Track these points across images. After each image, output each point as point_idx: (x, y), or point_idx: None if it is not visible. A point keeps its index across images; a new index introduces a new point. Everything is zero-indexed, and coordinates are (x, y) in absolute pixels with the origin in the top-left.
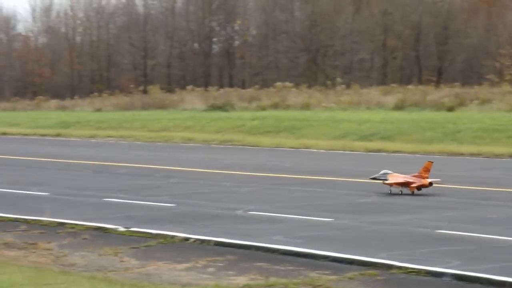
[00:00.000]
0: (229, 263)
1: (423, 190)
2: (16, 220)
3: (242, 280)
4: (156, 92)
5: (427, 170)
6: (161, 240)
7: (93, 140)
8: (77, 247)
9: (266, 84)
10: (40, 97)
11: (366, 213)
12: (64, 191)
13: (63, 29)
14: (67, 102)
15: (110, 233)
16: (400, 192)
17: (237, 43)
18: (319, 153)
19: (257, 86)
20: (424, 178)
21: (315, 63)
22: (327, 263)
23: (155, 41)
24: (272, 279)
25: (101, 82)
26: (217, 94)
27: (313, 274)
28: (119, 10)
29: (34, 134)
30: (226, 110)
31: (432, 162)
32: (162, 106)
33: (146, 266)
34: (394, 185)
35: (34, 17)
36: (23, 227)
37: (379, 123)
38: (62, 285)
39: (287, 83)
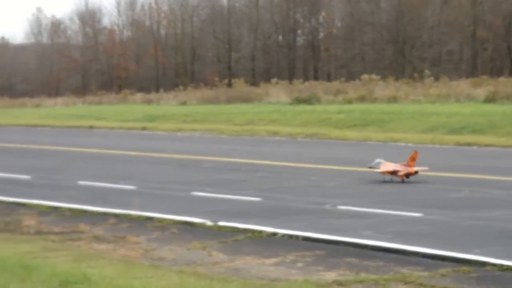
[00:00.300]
0: (318, 258)
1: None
2: (105, 213)
3: (331, 275)
4: (240, 85)
5: (413, 159)
6: (249, 235)
7: (179, 134)
8: (165, 241)
9: (352, 76)
10: (126, 90)
11: (457, 208)
12: (151, 184)
13: (147, 23)
14: (152, 95)
15: (198, 227)
16: (390, 180)
17: (322, 35)
18: (407, 147)
19: (342, 79)
20: (410, 166)
21: (402, 55)
22: (418, 259)
23: (239, 34)
24: (362, 275)
25: (186, 76)
26: (302, 87)
27: (404, 270)
28: (203, 3)
29: (120, 128)
30: (312, 103)
31: (417, 151)
32: (246, 100)
33: (235, 260)
34: (385, 173)
35: (119, 11)
36: (112, 220)
37: (469, 116)
38: (151, 279)
39: (374, 76)
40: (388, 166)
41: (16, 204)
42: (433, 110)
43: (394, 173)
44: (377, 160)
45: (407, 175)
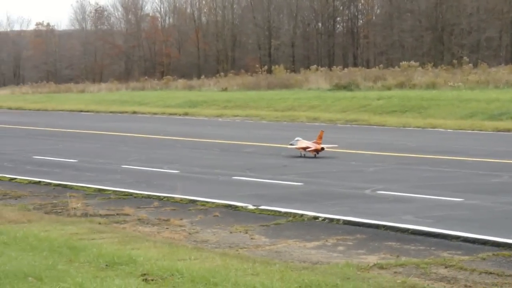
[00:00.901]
0: (358, 242)
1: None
2: (149, 196)
3: (372, 259)
4: (280, 72)
5: (320, 137)
6: (290, 219)
7: (220, 119)
8: (208, 224)
9: (391, 63)
10: (168, 76)
11: (498, 193)
12: (194, 169)
13: (189, 10)
14: (194, 81)
15: (240, 211)
16: (304, 155)
17: (360, 22)
18: (446, 133)
19: (381, 66)
20: (319, 144)
21: (441, 42)
22: (459, 243)
23: (279, 21)
24: (403, 259)
25: (226, 62)
26: (341, 73)
27: (445, 254)
28: None
29: (163, 113)
30: (351, 90)
31: (323, 131)
32: (287, 86)
33: (276, 244)
34: (300, 149)
35: None
36: (156, 203)
37: (509, 102)
38: (195, 261)
39: (412, 62)
40: (303, 143)
41: (63, 186)
42: (472, 96)
43: (305, 149)
44: (296, 138)
45: (316, 150)
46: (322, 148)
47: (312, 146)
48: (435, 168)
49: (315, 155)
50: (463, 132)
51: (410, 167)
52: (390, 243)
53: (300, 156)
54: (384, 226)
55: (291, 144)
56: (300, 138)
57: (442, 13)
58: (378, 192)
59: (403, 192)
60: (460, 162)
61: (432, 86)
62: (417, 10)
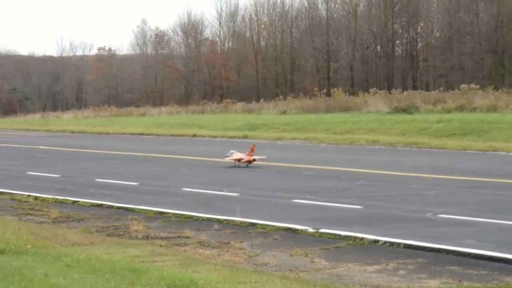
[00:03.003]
0: (419, 266)
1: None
2: (209, 219)
3: (434, 283)
4: (339, 95)
5: (252, 150)
6: (351, 242)
7: (279, 142)
8: (268, 247)
9: (450, 86)
10: (227, 100)
11: None
12: (253, 192)
13: (248, 34)
14: (253, 105)
15: (300, 234)
16: (238, 166)
17: (420, 45)
18: (508, 156)
19: (441, 88)
20: (251, 155)
21: (501, 65)
22: None
23: (338, 44)
24: (466, 283)
25: (285, 85)
26: (400, 96)
27: (508, 279)
28: (302, 14)
29: (223, 136)
30: (411, 113)
31: (255, 145)
32: (345, 109)
33: (337, 267)
34: (234, 160)
35: (220, 23)
36: (216, 226)
37: None
38: (256, 284)
39: (473, 85)
40: (237, 155)
41: (124, 209)
42: None
43: (239, 160)
44: (231, 151)
45: (249, 161)
46: (254, 159)
47: (245, 157)
48: (497, 192)
49: (247, 165)
50: None
51: (471, 190)
52: (452, 267)
53: (235, 166)
54: (445, 250)
55: (226, 156)
56: (234, 151)
57: (503, 35)
58: (439, 215)
59: (464, 216)
60: None
61: (493, 109)
62: (477, 33)
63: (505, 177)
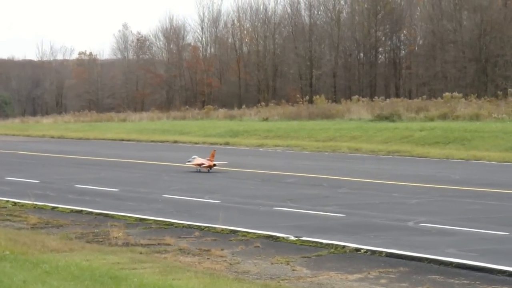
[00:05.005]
0: (401, 274)
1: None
2: (190, 226)
3: None
4: (322, 102)
5: (212, 156)
6: (332, 250)
7: (261, 149)
8: (249, 254)
9: (433, 94)
10: (209, 106)
11: None
12: (235, 199)
13: (230, 40)
14: (235, 111)
15: (281, 241)
16: (199, 171)
17: (403, 53)
18: (490, 165)
19: (424, 97)
20: (211, 161)
21: (484, 73)
22: (504, 278)
23: (321, 51)
24: None
25: (267, 92)
26: (383, 104)
27: None
28: (285, 20)
29: (204, 143)
30: (393, 121)
31: (215, 150)
32: (328, 116)
33: (318, 275)
34: (196, 166)
35: (202, 28)
36: (197, 233)
37: None
38: None
39: (456, 94)
40: (198, 161)
41: (104, 215)
42: None
43: (200, 165)
44: (193, 156)
45: (209, 167)
46: (214, 165)
47: (206, 163)
48: (479, 201)
49: (208, 170)
50: (508, 165)
51: (453, 199)
52: (433, 276)
53: (197, 171)
54: (427, 259)
55: (188, 161)
56: (196, 156)
57: (486, 44)
58: (421, 224)
59: (447, 225)
60: (505, 195)
61: (476, 117)
62: (460, 41)
63: (487, 186)
